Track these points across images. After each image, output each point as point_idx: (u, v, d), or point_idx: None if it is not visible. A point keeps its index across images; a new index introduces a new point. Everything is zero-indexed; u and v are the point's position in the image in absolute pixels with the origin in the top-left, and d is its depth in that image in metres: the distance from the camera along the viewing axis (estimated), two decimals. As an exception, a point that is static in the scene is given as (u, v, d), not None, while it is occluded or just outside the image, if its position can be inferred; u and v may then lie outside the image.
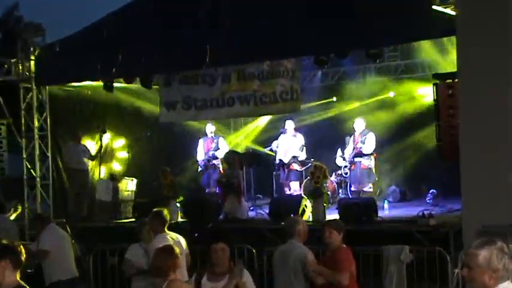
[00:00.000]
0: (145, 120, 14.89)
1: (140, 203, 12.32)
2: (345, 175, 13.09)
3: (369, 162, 12.79)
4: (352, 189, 12.98)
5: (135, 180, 13.59)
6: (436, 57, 13.29)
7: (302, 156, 13.29)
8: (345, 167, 13.07)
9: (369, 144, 12.78)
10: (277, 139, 13.54)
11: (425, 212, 9.98)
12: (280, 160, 13.37)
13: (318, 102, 15.75)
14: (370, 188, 12.93)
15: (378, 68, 14.91)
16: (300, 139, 13.39)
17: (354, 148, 12.90)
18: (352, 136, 13.10)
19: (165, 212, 7.61)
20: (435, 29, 8.82)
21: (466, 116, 6.87)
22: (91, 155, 13.42)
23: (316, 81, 15.78)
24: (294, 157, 13.24)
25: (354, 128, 13.10)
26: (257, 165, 13.56)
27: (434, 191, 13.15)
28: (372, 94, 15.12)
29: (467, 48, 6.81)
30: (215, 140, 13.80)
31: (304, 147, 13.26)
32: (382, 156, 13.63)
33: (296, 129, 13.59)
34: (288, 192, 13.32)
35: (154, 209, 7.65)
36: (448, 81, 9.61)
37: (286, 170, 13.27)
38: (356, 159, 12.85)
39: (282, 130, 13.56)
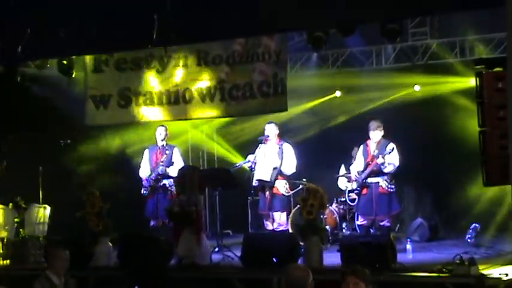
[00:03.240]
0: (64, 121, 14.78)
1: (56, 241, 12.20)
2: (350, 202, 13.06)
3: (388, 185, 12.71)
4: (360, 222, 12.95)
5: (48, 209, 13.46)
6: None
7: (287, 168, 13.09)
8: (351, 190, 13.04)
9: (393, 158, 12.64)
10: (253, 152, 13.45)
11: (465, 256, 9.99)
12: (260, 181, 13.26)
13: (312, 99, 15.79)
14: (388, 222, 12.87)
15: (397, 50, 14.98)
16: (287, 150, 13.23)
17: (366, 164, 12.83)
18: (363, 147, 13.05)
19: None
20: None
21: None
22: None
23: (311, 68, 15.81)
24: (275, 169, 13.05)
25: (369, 135, 13.04)
26: (225, 188, 13.47)
27: (477, 225, 13.16)
28: (388, 87, 15.18)
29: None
30: (167, 151, 13.58)
31: (294, 160, 13.17)
32: (404, 176, 13.63)
33: (282, 137, 13.45)
34: (269, 227, 13.25)
35: None
36: (497, 69, 9.56)
37: (267, 194, 13.18)
38: (371, 180, 12.79)
39: (261, 138, 13.48)
